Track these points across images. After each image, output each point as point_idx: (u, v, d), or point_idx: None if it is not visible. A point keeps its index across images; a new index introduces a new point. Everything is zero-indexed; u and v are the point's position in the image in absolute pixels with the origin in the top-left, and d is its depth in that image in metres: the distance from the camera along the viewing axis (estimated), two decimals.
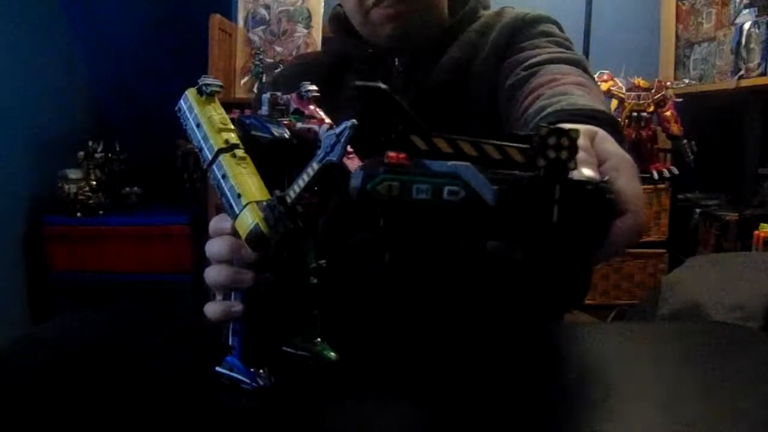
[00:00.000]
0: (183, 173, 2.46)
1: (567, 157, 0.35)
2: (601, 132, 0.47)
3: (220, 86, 0.57)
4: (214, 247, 0.57)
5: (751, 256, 1.75)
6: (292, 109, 0.59)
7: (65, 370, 0.60)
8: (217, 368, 0.56)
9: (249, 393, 0.53)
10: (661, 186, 2.10)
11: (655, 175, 2.08)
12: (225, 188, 0.53)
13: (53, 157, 2.28)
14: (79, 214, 2.22)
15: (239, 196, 0.52)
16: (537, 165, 0.35)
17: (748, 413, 0.50)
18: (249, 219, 0.51)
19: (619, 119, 2.06)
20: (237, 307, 0.55)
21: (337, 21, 0.96)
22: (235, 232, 0.53)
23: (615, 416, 0.51)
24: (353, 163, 0.53)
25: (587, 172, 0.40)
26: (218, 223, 0.57)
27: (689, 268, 1.70)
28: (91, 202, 2.24)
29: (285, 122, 0.57)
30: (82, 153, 2.30)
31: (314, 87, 0.60)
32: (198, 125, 0.55)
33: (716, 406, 0.51)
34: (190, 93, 0.57)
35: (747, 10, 1.94)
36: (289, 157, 0.55)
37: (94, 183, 2.28)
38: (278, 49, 2.31)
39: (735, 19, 2.02)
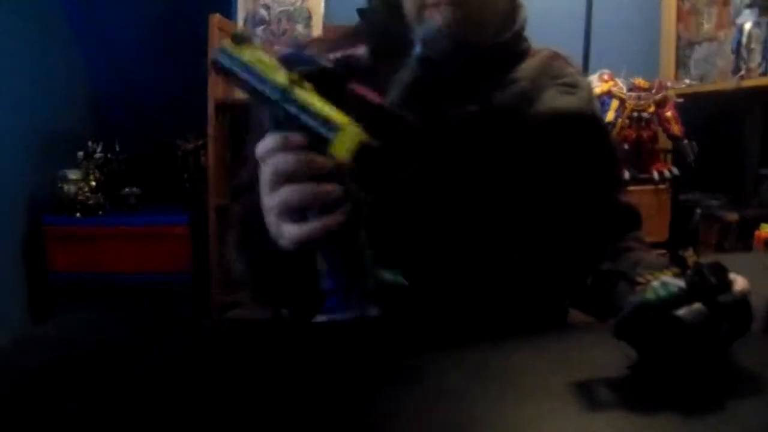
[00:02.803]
0: (183, 173, 2.46)
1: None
2: None
3: (249, 34, 0.57)
4: (284, 162, 0.54)
5: (752, 256, 1.75)
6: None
7: (65, 370, 0.60)
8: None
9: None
10: (662, 186, 2.10)
11: (656, 176, 2.08)
12: (307, 119, 0.52)
13: (53, 157, 2.28)
14: (78, 214, 2.22)
15: (327, 120, 0.51)
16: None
17: (748, 413, 0.50)
18: (353, 137, 0.51)
19: (620, 119, 2.06)
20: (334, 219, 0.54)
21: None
22: (299, 147, 0.53)
23: (613, 415, 0.51)
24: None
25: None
26: (278, 140, 0.54)
27: None
28: (90, 202, 2.24)
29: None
30: (81, 153, 2.30)
31: None
32: (249, 70, 0.54)
33: (716, 406, 0.51)
34: (227, 44, 0.56)
35: (748, 11, 1.94)
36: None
37: (94, 183, 2.28)
38: (278, 49, 2.31)
39: (736, 19, 2.02)
